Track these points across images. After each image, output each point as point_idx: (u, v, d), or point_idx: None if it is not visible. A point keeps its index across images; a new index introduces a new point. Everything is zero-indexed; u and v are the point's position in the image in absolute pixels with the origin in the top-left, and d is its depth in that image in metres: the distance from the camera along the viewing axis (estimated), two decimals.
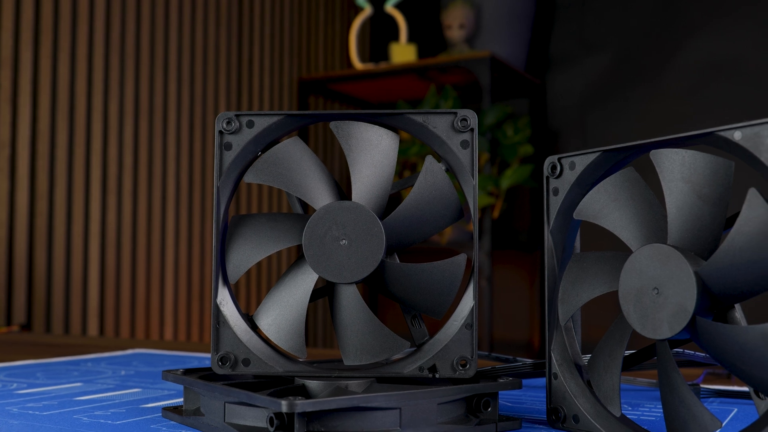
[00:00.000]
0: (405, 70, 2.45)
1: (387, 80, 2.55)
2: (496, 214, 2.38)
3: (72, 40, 1.81)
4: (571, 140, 2.58)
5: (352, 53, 2.62)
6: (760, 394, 0.43)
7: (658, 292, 0.44)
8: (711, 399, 0.63)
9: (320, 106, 2.67)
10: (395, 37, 2.63)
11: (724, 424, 0.52)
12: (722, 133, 0.43)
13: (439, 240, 2.38)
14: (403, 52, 2.51)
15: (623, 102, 2.50)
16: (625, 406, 0.59)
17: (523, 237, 2.64)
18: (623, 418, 0.48)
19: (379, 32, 2.87)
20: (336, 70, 2.78)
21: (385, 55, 2.74)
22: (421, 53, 2.62)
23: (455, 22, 2.47)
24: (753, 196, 0.41)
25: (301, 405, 0.42)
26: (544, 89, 2.64)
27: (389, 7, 2.58)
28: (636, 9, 2.50)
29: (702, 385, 0.65)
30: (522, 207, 2.57)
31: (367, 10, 2.62)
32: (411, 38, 2.64)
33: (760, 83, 2.29)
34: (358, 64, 2.60)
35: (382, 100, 2.83)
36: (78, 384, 0.72)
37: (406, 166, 2.40)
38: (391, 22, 2.65)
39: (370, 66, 2.55)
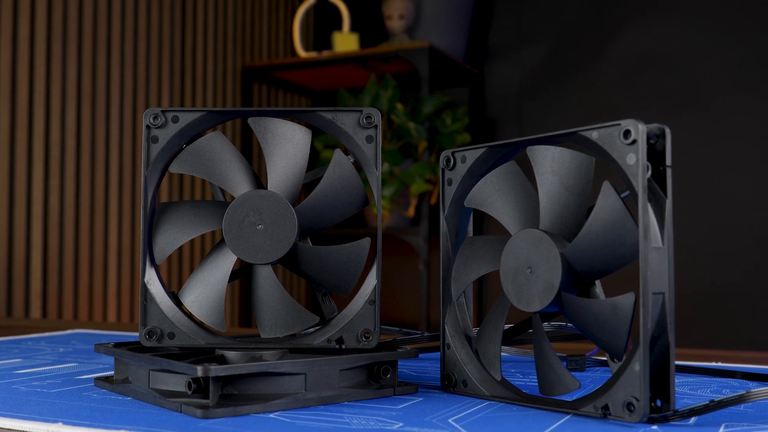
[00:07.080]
0: (347, 59, 2.50)
1: (329, 69, 2.59)
2: (433, 200, 2.45)
3: (13, 24, 1.82)
4: (508, 129, 2.66)
5: (295, 41, 2.66)
6: (614, 358, 0.49)
7: (531, 270, 0.51)
8: (596, 368, 0.70)
9: (264, 93, 2.70)
10: (338, 26, 2.67)
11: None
12: (583, 133, 0.49)
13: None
14: (345, 42, 2.56)
15: (559, 92, 2.58)
16: (518, 374, 0.66)
17: None
18: (503, 382, 0.54)
19: (323, 21, 2.91)
20: (280, 57, 2.81)
21: (328, 44, 2.78)
22: (363, 43, 2.66)
23: (395, 12, 2.53)
24: (606, 187, 0.48)
25: (215, 370, 0.48)
26: (482, 79, 2.71)
27: None
28: (571, 1, 2.58)
29: (591, 357, 0.72)
30: None
31: None
32: (353, 27, 2.68)
33: (686, 74, 2.39)
34: (301, 53, 2.64)
35: (324, 87, 2.87)
36: (17, 360, 0.76)
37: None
38: (335, 11, 2.69)
39: (313, 54, 2.59)
